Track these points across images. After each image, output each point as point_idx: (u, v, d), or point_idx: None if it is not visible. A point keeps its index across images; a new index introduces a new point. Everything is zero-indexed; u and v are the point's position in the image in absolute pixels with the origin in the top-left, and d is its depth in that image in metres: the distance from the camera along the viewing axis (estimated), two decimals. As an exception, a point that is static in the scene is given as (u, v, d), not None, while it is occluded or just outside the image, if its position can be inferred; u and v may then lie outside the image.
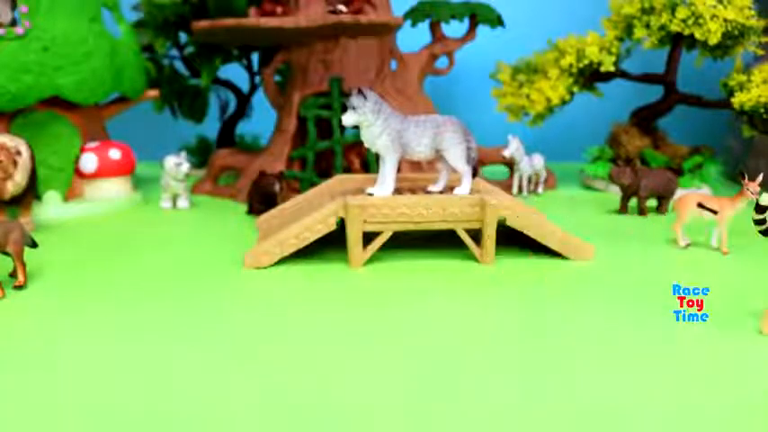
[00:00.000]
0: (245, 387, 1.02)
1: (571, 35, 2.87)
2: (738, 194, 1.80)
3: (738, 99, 2.54)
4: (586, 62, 2.74)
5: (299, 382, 1.03)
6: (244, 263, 1.69)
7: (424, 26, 3.00)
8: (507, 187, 2.71)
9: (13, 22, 2.24)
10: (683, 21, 2.54)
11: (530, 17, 3.72)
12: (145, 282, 1.57)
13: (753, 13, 2.52)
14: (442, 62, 3.06)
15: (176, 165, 2.42)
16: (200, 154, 3.55)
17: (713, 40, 2.49)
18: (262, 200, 2.27)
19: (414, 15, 2.92)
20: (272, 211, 2.09)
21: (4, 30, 2.18)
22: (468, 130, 1.83)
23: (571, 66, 2.79)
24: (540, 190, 2.90)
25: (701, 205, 1.84)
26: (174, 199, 2.54)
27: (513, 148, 2.74)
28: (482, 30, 3.03)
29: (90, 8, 2.51)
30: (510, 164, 2.87)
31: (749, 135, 2.73)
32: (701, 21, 2.50)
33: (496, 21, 2.95)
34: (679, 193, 2.38)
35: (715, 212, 1.82)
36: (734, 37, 2.59)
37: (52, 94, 2.36)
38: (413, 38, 3.11)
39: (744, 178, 1.76)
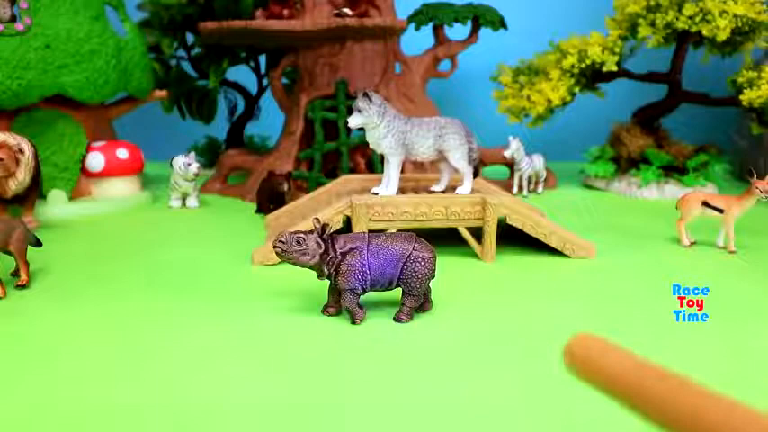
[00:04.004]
0: (247, 382, 0.96)
1: (573, 36, 2.80)
2: (746, 193, 1.72)
3: (747, 96, 2.45)
4: (588, 62, 2.66)
5: (301, 378, 0.98)
6: (252, 260, 1.64)
7: (427, 29, 2.95)
8: (508, 187, 2.66)
9: (13, 18, 2.16)
10: (690, 18, 2.44)
11: (531, 19, 3.65)
12: (152, 280, 1.51)
13: (765, 7, 2.41)
14: (444, 65, 3.01)
15: (185, 165, 2.37)
16: (210, 154, 3.52)
17: (722, 37, 2.39)
18: (270, 199, 2.23)
19: (417, 19, 2.87)
20: (281, 210, 2.05)
21: (2, 26, 2.10)
22: (470, 132, 1.80)
23: (573, 66, 2.72)
24: (540, 189, 2.85)
25: (706, 204, 1.76)
26: (184, 198, 2.48)
27: (514, 149, 2.72)
28: (484, 32, 2.96)
29: (93, 6, 2.44)
30: (510, 164, 2.83)
31: (758, 133, 2.64)
32: (709, 17, 2.40)
33: (499, 23, 2.89)
34: (684, 191, 2.31)
35: (721, 211, 1.74)
36: (743, 33, 2.49)
37: (56, 93, 2.30)
38: (416, 41, 3.05)
39: (752, 177, 1.69)
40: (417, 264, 1.18)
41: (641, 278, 1.54)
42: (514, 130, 2.91)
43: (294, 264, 1.20)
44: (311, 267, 1.20)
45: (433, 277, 1.23)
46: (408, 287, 1.20)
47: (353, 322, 1.21)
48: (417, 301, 1.22)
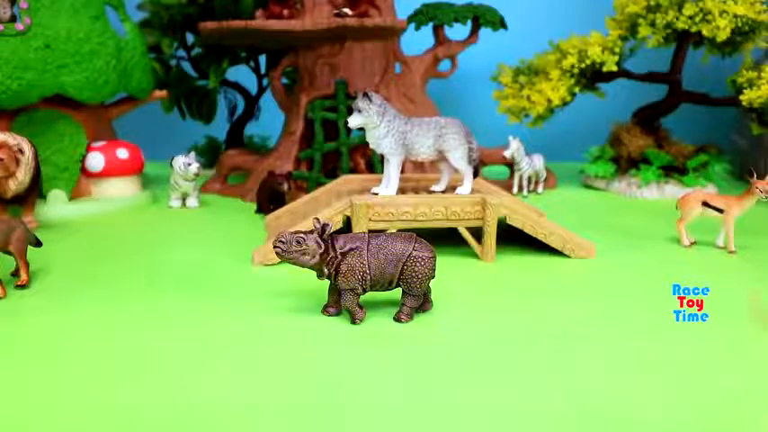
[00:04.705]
0: (247, 382, 0.96)
1: (573, 36, 2.80)
2: (746, 193, 1.72)
3: (747, 96, 2.44)
4: (588, 62, 2.66)
5: (301, 378, 0.98)
6: (252, 260, 1.64)
7: (427, 29, 2.95)
8: (508, 187, 2.66)
9: (13, 18, 2.15)
10: (690, 18, 2.44)
11: (531, 19, 3.65)
12: (152, 280, 1.51)
13: (765, 7, 2.40)
14: (444, 65, 3.01)
15: (185, 165, 2.37)
16: (209, 154, 3.52)
17: (722, 37, 2.38)
18: (270, 199, 2.23)
19: (417, 18, 2.86)
20: (281, 210, 2.05)
21: (2, 26, 2.09)
22: (470, 132, 1.80)
23: (573, 66, 2.71)
24: (540, 189, 2.85)
25: (706, 204, 1.76)
26: (184, 198, 2.48)
27: (514, 149, 2.72)
28: (484, 32, 2.96)
29: (93, 6, 2.43)
30: (510, 164, 2.83)
31: (758, 133, 2.64)
32: (709, 17, 2.39)
33: (499, 23, 2.89)
34: (684, 191, 2.30)
35: (721, 211, 1.74)
36: (743, 33, 2.48)
37: (56, 93, 2.29)
38: (416, 41, 3.05)
39: (752, 177, 1.69)
40: (417, 264, 1.19)
41: (641, 278, 1.54)
42: (514, 130, 2.91)
43: (294, 264, 1.20)
44: (311, 267, 1.20)
45: (433, 277, 1.23)
46: (408, 287, 1.20)
47: (353, 322, 1.21)
48: (417, 301, 1.23)
